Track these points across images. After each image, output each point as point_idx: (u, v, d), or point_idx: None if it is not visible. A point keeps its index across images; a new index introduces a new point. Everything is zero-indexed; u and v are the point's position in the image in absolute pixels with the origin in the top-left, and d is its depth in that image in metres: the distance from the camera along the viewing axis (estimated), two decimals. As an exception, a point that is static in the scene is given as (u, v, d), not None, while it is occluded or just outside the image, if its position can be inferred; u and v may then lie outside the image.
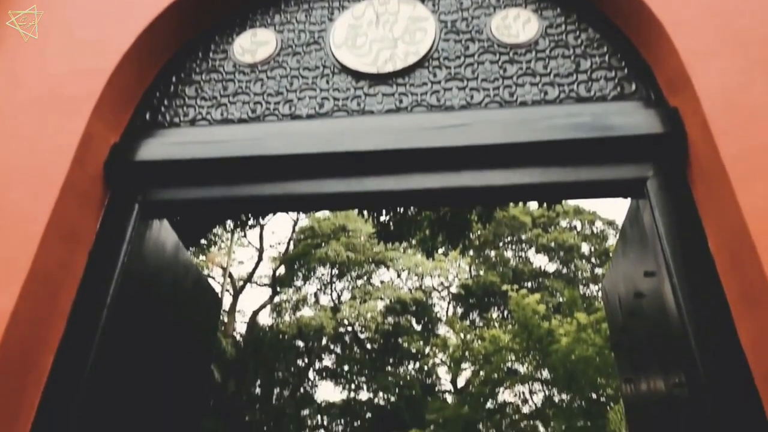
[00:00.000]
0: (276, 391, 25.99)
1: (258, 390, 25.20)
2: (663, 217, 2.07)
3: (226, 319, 23.36)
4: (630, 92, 2.37)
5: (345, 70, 2.59)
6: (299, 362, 26.73)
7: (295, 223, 27.01)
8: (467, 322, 23.55)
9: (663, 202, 2.09)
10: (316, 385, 28.34)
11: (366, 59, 2.58)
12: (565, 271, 25.89)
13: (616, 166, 2.21)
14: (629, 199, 2.44)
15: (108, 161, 2.38)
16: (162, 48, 2.66)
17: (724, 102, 2.02)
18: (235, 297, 24.39)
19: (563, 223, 27.00)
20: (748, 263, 1.77)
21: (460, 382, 23.20)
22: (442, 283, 27.60)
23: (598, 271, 25.09)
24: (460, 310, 26.83)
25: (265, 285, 27.62)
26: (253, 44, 2.75)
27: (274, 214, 22.24)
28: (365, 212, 9.96)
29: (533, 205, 28.38)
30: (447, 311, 26.88)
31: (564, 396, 14.66)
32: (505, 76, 2.47)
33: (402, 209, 9.86)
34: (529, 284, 23.83)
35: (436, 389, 24.98)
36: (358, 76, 2.56)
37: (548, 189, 2.26)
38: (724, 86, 2.05)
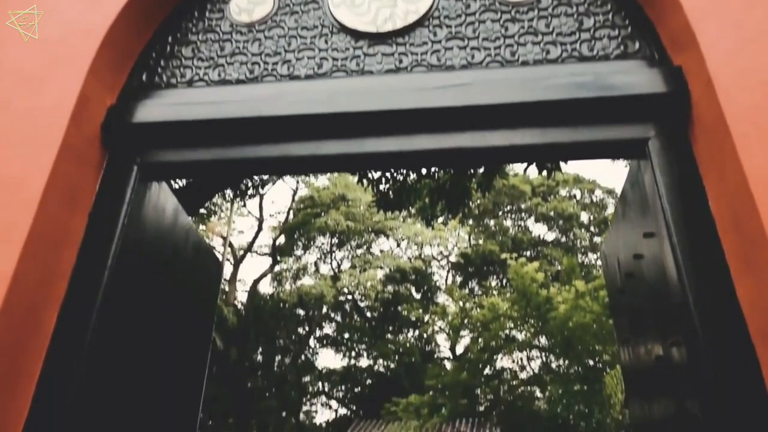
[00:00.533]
0: (277, 358, 26.37)
1: (259, 357, 25.57)
2: (664, 177, 2.06)
3: (227, 288, 23.54)
4: (633, 51, 2.33)
5: (344, 29, 2.55)
6: (300, 330, 27.06)
7: (295, 192, 27.00)
8: (466, 291, 23.76)
9: (664, 163, 2.07)
10: (317, 353, 28.76)
11: (365, 18, 2.54)
12: (564, 239, 26.00)
13: (618, 126, 2.19)
14: (629, 165, 2.43)
15: (105, 123, 2.35)
16: (157, 7, 2.61)
17: (729, 60, 1.99)
18: (236, 266, 24.53)
19: (563, 192, 26.99)
20: (748, 222, 1.77)
21: (459, 349, 23.52)
22: (441, 252, 27.74)
23: (597, 239, 25.19)
24: (459, 279, 27.05)
25: (265, 254, 27.76)
26: (250, 3, 2.70)
27: (274, 176, 22.20)
28: (364, 181, 9.92)
29: (533, 173, 28.31)
30: (446, 280, 27.09)
31: (561, 362, 14.88)
32: (507, 35, 2.43)
33: (401, 177, 9.83)
34: (528, 253, 23.96)
35: (435, 356, 25.35)
36: (357, 35, 2.52)
37: (549, 150, 2.24)
38: (729, 44, 2.02)
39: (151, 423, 2.45)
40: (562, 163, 8.33)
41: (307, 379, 28.35)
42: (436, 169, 9.63)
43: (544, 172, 8.44)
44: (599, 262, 24.80)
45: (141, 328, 2.40)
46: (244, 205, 25.22)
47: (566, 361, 14.08)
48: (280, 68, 2.49)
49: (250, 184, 21.93)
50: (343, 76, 2.43)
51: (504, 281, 23.31)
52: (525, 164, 8.09)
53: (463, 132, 2.22)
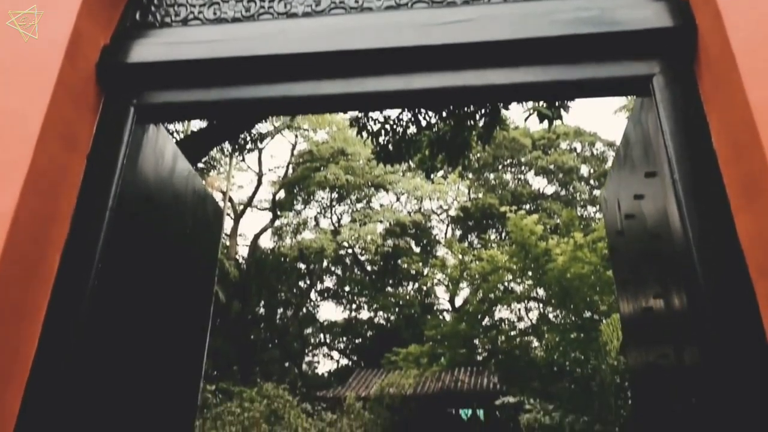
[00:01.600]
0: (279, 311, 26.83)
1: (262, 310, 26.00)
2: (668, 114, 2.04)
3: (228, 243, 23.69)
4: (640, -16, 2.26)
5: (342, -36, 2.46)
6: (301, 284, 27.43)
7: (294, 146, 26.85)
8: (465, 244, 23.94)
9: (668, 99, 2.05)
10: (318, 306, 29.27)
11: (364, -48, 2.45)
12: (563, 193, 26.02)
13: (623, 62, 2.15)
14: (632, 107, 2.40)
15: (100, 63, 2.30)
16: (148, -58, 2.52)
17: (738, -9, 1.94)
18: (236, 221, 24.63)
19: (563, 145, 26.85)
20: (750, 156, 1.76)
21: (458, 302, 23.89)
22: (440, 206, 27.82)
23: (597, 192, 25.21)
24: (458, 233, 27.22)
25: (265, 209, 27.84)
26: (245, -62, 2.60)
27: (272, 117, 21.99)
28: (364, 133, 9.83)
29: (534, 126, 28.06)
30: (446, 233, 27.27)
31: (558, 313, 15.12)
32: (510, -31, 2.35)
33: (401, 130, 9.74)
34: (528, 206, 24.02)
35: (435, 308, 25.79)
36: (355, -29, 2.44)
37: (552, 87, 2.21)
38: (739, -26, 1.96)
39: (156, 369, 2.49)
40: (563, 114, 8.24)
41: (308, 331, 28.92)
42: (436, 121, 9.54)
43: (545, 123, 8.35)
44: (598, 215, 24.91)
45: (144, 274, 2.42)
46: (243, 160, 25.14)
47: (563, 312, 14.31)
48: (277, 6, 2.43)
49: (248, 138, 21.80)
50: (342, 13, 2.37)
51: (503, 234, 23.47)
52: (526, 114, 7.96)
53: (466, 70, 2.18)
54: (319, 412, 9.64)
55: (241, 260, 24.43)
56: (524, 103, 7.79)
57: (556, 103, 7.82)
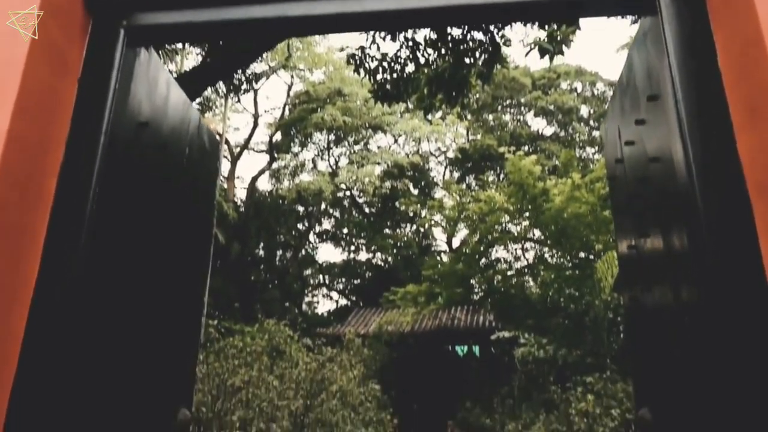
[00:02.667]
0: (279, 253, 27.09)
1: (261, 252, 26.25)
2: (673, 31, 1.98)
3: (225, 185, 23.65)
4: None
5: None
6: (300, 226, 27.57)
7: (290, 87, 26.36)
8: (463, 186, 23.94)
9: (674, 15, 1.99)
10: (317, 247, 29.53)
11: None
12: (562, 134, 25.80)
13: (629, -21, 2.07)
14: (636, 30, 2.33)
15: (85, -18, 2.22)
16: None
17: None
18: (233, 163, 24.50)
19: (564, 85, 26.40)
20: (758, 72, 1.73)
21: (456, 243, 24.13)
22: (439, 148, 27.62)
23: (596, 134, 25.00)
24: (456, 175, 27.16)
25: (262, 151, 27.63)
26: None
27: (267, 56, 21.54)
28: (361, 71, 9.62)
29: (534, 65, 27.49)
30: (444, 175, 27.20)
31: (554, 253, 15.29)
32: None
33: (399, 67, 9.53)
34: (526, 148, 23.86)
35: (432, 249, 26.06)
36: None
37: (555, 6, 2.13)
38: None
39: (157, 300, 2.51)
40: (564, 49, 8.04)
41: (308, 272, 29.32)
42: (435, 59, 9.32)
43: (546, 60, 8.16)
44: (597, 157, 24.79)
45: (143, 202, 2.41)
46: (239, 101, 24.73)
47: (559, 252, 14.47)
48: None
49: (243, 78, 21.35)
50: (337, -72, 2.26)
51: (501, 176, 23.43)
52: (527, 50, 7.77)
53: (466, -13, 2.10)
54: (320, 347, 9.91)
55: (239, 203, 24.46)
56: (525, 38, 7.60)
57: (558, 37, 7.62)
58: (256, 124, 25.41)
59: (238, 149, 25.32)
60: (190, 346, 3.00)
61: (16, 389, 1.78)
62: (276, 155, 25.27)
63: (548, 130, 26.63)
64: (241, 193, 26.09)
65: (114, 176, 2.15)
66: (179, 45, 17.17)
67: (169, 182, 2.71)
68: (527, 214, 14.97)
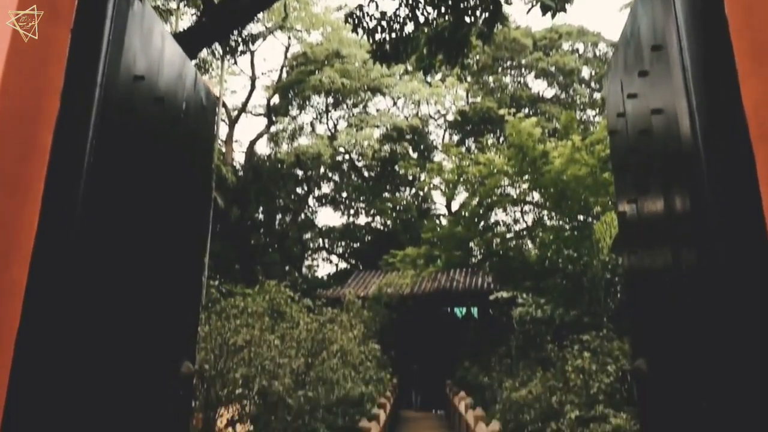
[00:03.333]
0: (278, 217, 27.16)
1: (261, 216, 26.30)
2: (680, -23, 1.93)
3: (224, 149, 23.52)
4: None
5: None
6: (299, 190, 27.56)
7: (287, 49, 25.95)
8: (463, 149, 23.82)
9: (682, -40, 1.93)
10: (316, 211, 29.60)
11: None
12: (563, 96, 25.54)
13: None
14: None
15: (74, -73, 2.14)
16: None
17: None
18: (231, 127, 24.31)
19: (565, 46, 26.00)
20: (763, 20, 1.69)
21: (455, 206, 24.16)
22: (438, 111, 27.39)
23: (597, 96, 24.74)
24: (456, 138, 26.99)
25: (259, 115, 27.40)
26: None
27: (263, 16, 21.12)
28: (359, 30, 9.44)
29: (535, 25, 26.98)
30: (443, 139, 27.04)
31: (553, 215, 15.33)
32: None
33: (398, 27, 9.36)
34: (527, 110, 23.66)
35: (432, 212, 26.12)
36: None
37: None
38: None
39: (158, 256, 2.51)
40: (567, 6, 7.89)
41: (307, 236, 29.44)
42: (435, 17, 9.14)
43: (548, 17, 8.01)
44: (597, 119, 24.59)
45: (140, 155, 2.39)
46: (235, 63, 24.39)
47: (558, 215, 14.49)
48: None
49: (239, 39, 20.96)
50: None
51: (501, 139, 23.28)
52: (528, 7, 7.62)
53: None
54: (320, 307, 10.02)
55: (238, 167, 24.37)
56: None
57: (561, -7, 7.47)
58: (253, 87, 25.12)
59: (236, 112, 25.09)
60: (191, 302, 3.03)
61: (20, 343, 1.79)
62: (274, 118, 25.05)
63: (549, 92, 26.36)
64: (239, 157, 25.98)
65: (111, 130, 2.13)
66: (173, 5, 16.79)
67: (166, 137, 2.69)
68: (527, 176, 14.94)
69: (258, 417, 6.60)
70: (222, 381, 6.37)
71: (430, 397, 20.33)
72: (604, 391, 6.29)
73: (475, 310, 19.62)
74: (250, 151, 24.57)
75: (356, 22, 9.30)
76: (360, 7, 9.04)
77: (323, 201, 28.37)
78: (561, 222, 14.32)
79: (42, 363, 1.78)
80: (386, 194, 25.59)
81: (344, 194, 27.59)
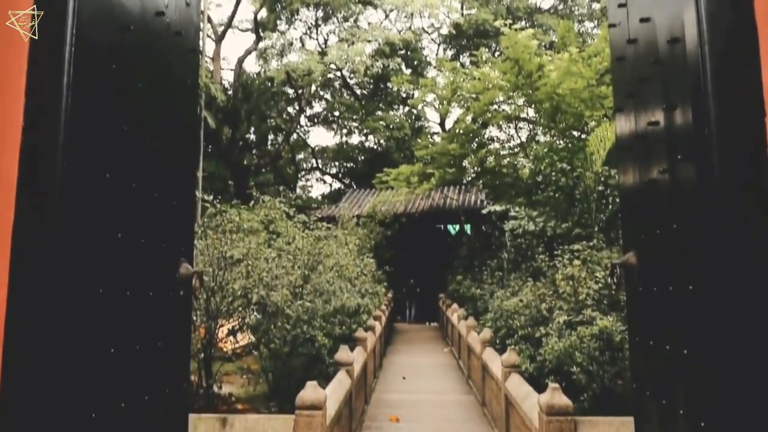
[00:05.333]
0: (270, 137, 26.84)
1: (253, 137, 25.96)
2: None
3: (211, 67, 22.83)
4: None
5: None
6: (290, 109, 27.08)
7: (273, -43, 24.54)
8: (457, 64, 23.21)
9: None
10: (309, 131, 29.25)
11: None
12: (561, 7, 24.64)
13: None
14: None
15: None
16: None
17: None
18: (218, 42, 23.44)
19: (565, -48, 24.76)
20: None
21: (449, 124, 23.86)
22: (432, 24, 26.49)
23: (596, 6, 23.86)
24: (450, 53, 26.27)
25: (247, 30, 26.41)
26: None
27: None
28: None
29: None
30: (437, 54, 26.31)
31: (548, 131, 15.20)
32: None
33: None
34: (523, 22, 22.88)
35: (425, 130, 25.87)
36: None
37: None
38: None
39: (147, 166, 2.45)
40: None
41: (300, 156, 29.26)
42: None
43: None
44: (596, 31, 23.83)
45: (122, 57, 2.28)
46: (219, -26, 23.14)
47: (552, 131, 14.36)
48: None
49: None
50: None
51: (496, 53, 22.64)
52: None
53: None
54: (315, 223, 10.12)
55: (226, 85, 23.76)
56: None
57: None
58: (239, 0, 23.98)
59: (222, 28, 24.11)
60: (185, 209, 3.01)
61: (16, 240, 1.79)
62: (262, 34, 24.12)
63: (546, 3, 25.42)
64: (228, 76, 25.28)
65: (89, 22, 2.03)
66: None
67: (148, 35, 2.57)
68: (522, 91, 14.66)
69: (258, 326, 6.82)
70: (222, 293, 6.54)
71: (424, 311, 21.04)
72: (592, 297, 6.51)
73: (468, 227, 19.90)
74: (239, 68, 23.85)
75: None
76: None
77: (315, 120, 27.97)
78: (555, 138, 14.23)
79: (42, 260, 1.79)
80: (379, 112, 25.20)
81: (336, 113, 27.16)
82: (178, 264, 2.69)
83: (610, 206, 8.79)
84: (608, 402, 5.43)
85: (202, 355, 6.40)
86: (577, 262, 6.87)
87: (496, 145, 17.94)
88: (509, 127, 17.51)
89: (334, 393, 5.33)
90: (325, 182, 29.58)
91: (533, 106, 15.04)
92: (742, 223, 1.69)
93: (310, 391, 4.56)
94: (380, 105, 25.69)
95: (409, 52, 24.58)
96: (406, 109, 25.69)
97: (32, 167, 1.83)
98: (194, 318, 6.11)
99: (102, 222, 2.04)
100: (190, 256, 2.93)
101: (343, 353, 6.40)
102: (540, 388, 5.10)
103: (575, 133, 13.95)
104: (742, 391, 1.64)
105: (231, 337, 7.03)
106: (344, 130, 27.45)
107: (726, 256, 1.69)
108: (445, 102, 18.52)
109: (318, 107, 27.78)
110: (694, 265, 1.89)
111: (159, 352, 2.48)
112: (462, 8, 25.32)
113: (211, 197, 8.76)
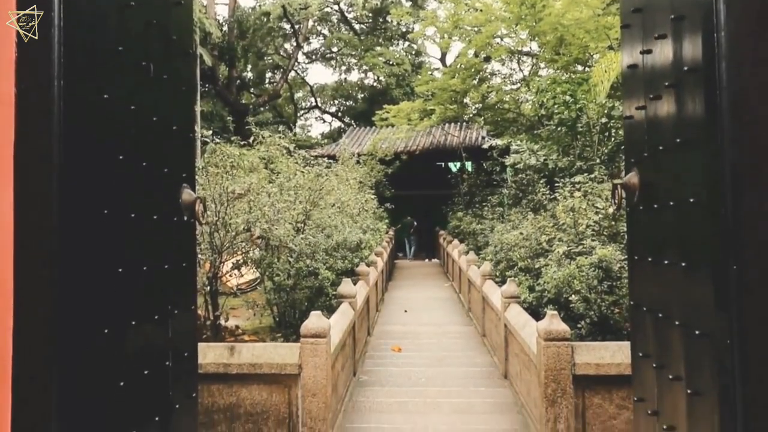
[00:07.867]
0: (268, 75, 26.33)
1: (250, 75, 25.47)
2: None
3: (205, 1, 22.10)
4: None
5: None
6: (287, 46, 26.41)
7: None
8: (459, -4, 22.42)
9: None
10: (307, 69, 28.67)
11: None
12: (568, -68, 23.49)
13: None
14: None
15: None
16: None
17: None
18: (210, -25, 22.57)
19: None
20: None
21: (449, 59, 23.31)
22: (433, -47, 25.32)
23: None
24: (451, -16, 25.26)
25: (240, -39, 25.33)
26: None
27: None
28: None
29: None
30: (438, -15, 25.31)
31: (551, 66, 14.87)
32: None
33: None
34: (528, -50, 21.89)
35: (426, 66, 25.30)
36: None
37: None
38: None
39: (148, 103, 2.40)
40: None
41: (299, 94, 28.77)
42: None
43: None
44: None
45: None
46: None
47: (556, 64, 14.05)
48: None
49: None
50: None
51: (499, -16, 21.81)
52: None
53: None
54: (315, 158, 10.08)
55: (221, 20, 23.07)
56: None
57: None
58: (230, -71, 22.94)
59: (214, -41, 23.15)
60: (185, 132, 2.98)
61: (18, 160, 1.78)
62: (255, -35, 23.20)
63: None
64: (222, 11, 24.50)
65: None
66: None
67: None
68: (524, 23, 14.24)
69: (261, 260, 6.92)
70: (225, 228, 6.59)
71: (425, 248, 21.29)
72: (592, 228, 6.56)
73: (469, 164, 19.82)
74: (233, 2, 23.10)
75: None
76: None
77: (314, 57, 27.33)
78: (559, 72, 13.93)
79: (45, 177, 1.79)
80: (378, 48, 24.58)
81: (335, 49, 26.50)
82: (180, 189, 2.70)
83: (613, 138, 8.71)
84: (605, 330, 5.57)
85: (208, 288, 6.52)
86: (578, 194, 6.88)
87: (498, 80, 17.60)
88: (512, 60, 17.09)
89: (337, 323, 5.48)
90: (324, 121, 29.29)
91: (536, 38, 14.65)
92: (747, 129, 1.68)
93: (314, 320, 4.68)
94: (379, 40, 25.03)
95: (408, -17, 23.72)
96: (406, 44, 25.06)
97: (31, 84, 1.80)
98: (198, 253, 6.19)
99: (101, 142, 2.03)
100: (192, 182, 2.92)
101: (345, 286, 6.52)
102: (538, 318, 5.22)
103: (579, 67, 13.66)
104: (740, 298, 1.67)
105: (236, 271, 7.14)
106: (343, 67, 26.89)
107: (730, 166, 1.69)
108: (446, 35, 18.04)
109: (316, 43, 27.10)
110: (696, 177, 1.90)
111: (166, 275, 2.52)
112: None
113: (210, 132, 8.68)
